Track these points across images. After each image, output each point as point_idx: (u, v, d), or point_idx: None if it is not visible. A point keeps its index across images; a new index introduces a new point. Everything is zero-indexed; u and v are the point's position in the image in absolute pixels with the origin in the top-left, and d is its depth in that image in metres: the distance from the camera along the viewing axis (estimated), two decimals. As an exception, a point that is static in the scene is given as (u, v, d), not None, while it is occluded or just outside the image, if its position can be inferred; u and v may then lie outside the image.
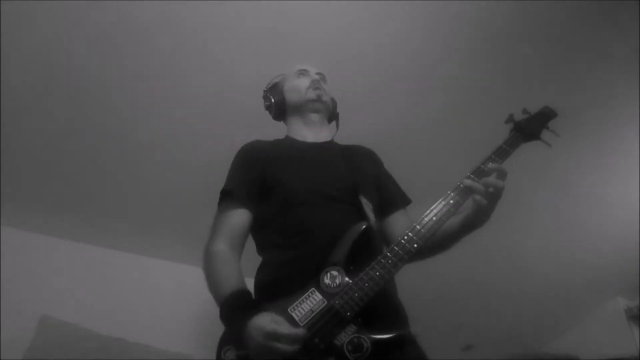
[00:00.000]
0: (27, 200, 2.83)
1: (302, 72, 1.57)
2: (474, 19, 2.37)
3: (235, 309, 1.09)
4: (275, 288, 1.16)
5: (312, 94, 1.51)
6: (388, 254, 1.11)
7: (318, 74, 1.58)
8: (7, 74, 2.25)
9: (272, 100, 1.58)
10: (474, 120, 2.81)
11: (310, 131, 1.50)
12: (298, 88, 1.54)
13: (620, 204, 3.54)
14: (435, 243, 1.20)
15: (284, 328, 1.00)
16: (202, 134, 2.67)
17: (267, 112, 1.66)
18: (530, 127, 1.33)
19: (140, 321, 2.97)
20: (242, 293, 1.13)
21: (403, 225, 1.33)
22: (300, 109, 1.53)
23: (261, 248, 1.34)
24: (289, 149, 1.44)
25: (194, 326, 3.10)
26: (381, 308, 1.10)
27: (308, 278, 1.11)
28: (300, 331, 1.01)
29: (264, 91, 1.65)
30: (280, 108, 1.57)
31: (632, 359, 3.90)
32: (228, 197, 1.32)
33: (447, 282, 3.62)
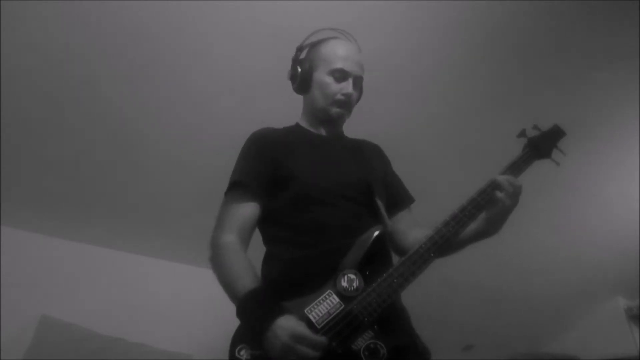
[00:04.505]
0: (27, 200, 2.83)
1: (339, 75, 1.37)
2: (472, 20, 2.37)
3: (256, 308, 1.06)
4: (286, 284, 1.15)
5: (333, 110, 1.38)
6: (407, 261, 1.12)
7: (357, 78, 1.41)
8: (7, 74, 2.25)
9: (299, 70, 1.42)
10: (473, 121, 2.81)
11: (322, 126, 1.44)
12: (326, 92, 1.38)
13: (620, 204, 3.54)
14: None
15: (310, 332, 1.00)
16: (203, 133, 2.67)
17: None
18: (542, 146, 1.36)
19: (140, 321, 2.98)
20: (262, 291, 1.10)
21: (407, 224, 1.36)
22: (318, 107, 1.42)
23: (269, 241, 1.31)
24: (302, 140, 1.39)
25: (193, 326, 3.10)
26: (390, 313, 1.11)
27: (322, 278, 1.10)
28: (324, 339, 1.00)
29: (298, 49, 1.47)
30: (303, 84, 1.42)
31: (632, 359, 3.90)
32: (238, 187, 1.28)
33: (447, 282, 3.62)
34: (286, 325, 0.99)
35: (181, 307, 3.14)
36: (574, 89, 2.72)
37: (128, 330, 2.86)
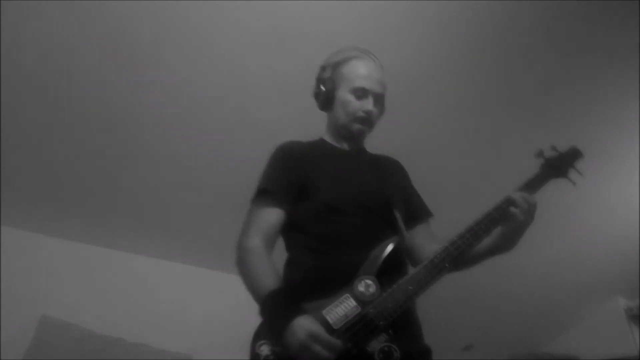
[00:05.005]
0: (27, 200, 2.83)
1: (361, 93, 1.43)
2: (472, 20, 2.37)
3: (278, 307, 1.12)
4: (306, 288, 1.19)
5: (354, 127, 1.45)
6: (422, 270, 1.17)
7: (378, 96, 1.45)
8: (7, 74, 2.26)
9: (322, 88, 1.50)
10: (473, 121, 2.81)
11: (345, 141, 1.51)
12: (348, 109, 1.44)
13: (620, 204, 3.54)
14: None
15: (326, 334, 1.04)
16: (204, 134, 2.67)
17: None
18: (560, 166, 1.43)
19: (140, 321, 2.98)
20: (284, 291, 1.16)
21: (426, 238, 1.41)
22: (340, 123, 1.49)
23: (291, 247, 1.37)
24: (325, 154, 1.46)
25: (193, 326, 3.09)
26: (405, 319, 1.15)
27: (340, 284, 1.15)
28: (339, 342, 1.04)
29: (322, 68, 1.54)
30: (326, 102, 1.50)
31: (632, 359, 3.91)
32: (264, 194, 1.34)
33: (447, 282, 3.62)
34: (304, 324, 1.04)
35: (181, 307, 3.13)
36: (573, 88, 2.72)
37: (128, 330, 2.87)
